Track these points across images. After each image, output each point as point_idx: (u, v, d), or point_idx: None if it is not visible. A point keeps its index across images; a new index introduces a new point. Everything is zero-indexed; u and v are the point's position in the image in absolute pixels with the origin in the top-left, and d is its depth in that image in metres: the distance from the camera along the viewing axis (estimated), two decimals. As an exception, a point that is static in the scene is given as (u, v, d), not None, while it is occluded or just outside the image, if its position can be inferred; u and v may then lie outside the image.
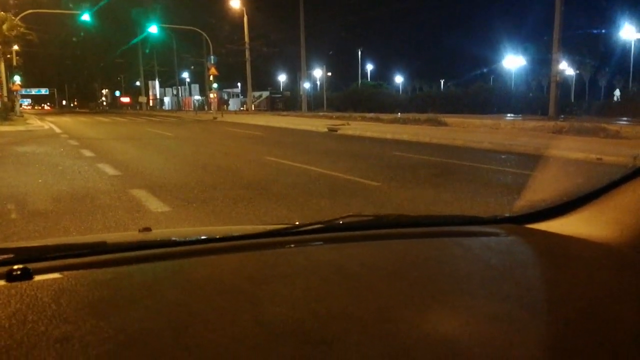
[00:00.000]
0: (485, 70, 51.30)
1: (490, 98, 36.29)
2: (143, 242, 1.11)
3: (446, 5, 78.96)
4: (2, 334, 0.68)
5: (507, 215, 1.33)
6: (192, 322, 0.74)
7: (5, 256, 0.97)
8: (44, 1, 30.62)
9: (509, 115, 27.32)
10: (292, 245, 1.13)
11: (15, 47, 29.50)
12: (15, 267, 0.88)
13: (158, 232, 1.46)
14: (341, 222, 1.25)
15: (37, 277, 0.88)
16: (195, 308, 0.79)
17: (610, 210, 1.11)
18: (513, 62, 50.29)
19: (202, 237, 1.19)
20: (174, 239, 1.23)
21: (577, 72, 56.60)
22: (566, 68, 45.87)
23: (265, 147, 12.66)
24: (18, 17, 24.54)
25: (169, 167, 8.59)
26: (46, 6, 30.42)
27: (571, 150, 9.95)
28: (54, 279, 0.88)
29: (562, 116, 21.74)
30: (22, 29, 24.51)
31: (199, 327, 0.72)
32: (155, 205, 5.17)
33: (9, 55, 27.78)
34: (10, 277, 0.87)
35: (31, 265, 0.90)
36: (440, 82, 65.99)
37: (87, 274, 0.92)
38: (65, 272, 0.91)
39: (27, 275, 0.87)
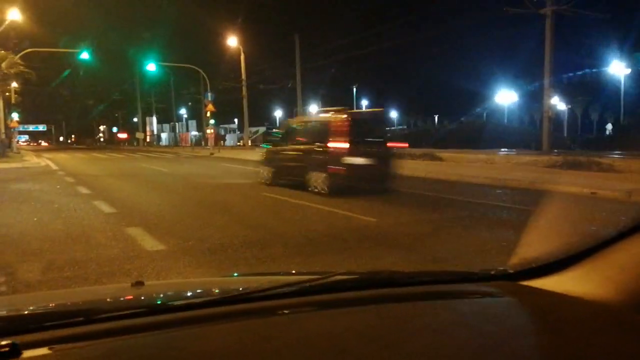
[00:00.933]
0: (478, 105, 52.02)
1: (484, 133, 36.65)
2: (134, 310, 1.09)
3: (439, 42, 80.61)
4: None
5: (501, 269, 1.33)
6: None
7: None
8: (43, 39, 31.11)
9: (502, 149, 27.49)
10: (286, 312, 1.11)
11: (14, 85, 29.78)
12: (3, 342, 0.86)
13: (150, 288, 1.44)
14: (334, 280, 1.24)
15: (26, 353, 0.86)
16: None
17: (605, 268, 1.12)
18: (506, 97, 51.06)
19: (193, 302, 1.17)
20: (165, 302, 1.22)
21: (569, 107, 57.44)
22: (558, 103, 46.54)
23: (262, 183, 12.67)
24: (18, 56, 24.86)
25: (164, 204, 8.58)
26: (45, 44, 30.88)
27: (565, 185, 10.02)
28: (44, 356, 0.87)
29: (556, 150, 21.94)
30: (21, 67, 24.78)
31: None
32: (150, 243, 5.15)
33: (7, 93, 28.02)
34: None
35: (19, 339, 0.88)
36: (435, 118, 66.72)
37: (77, 348, 0.90)
38: (55, 346, 0.89)
39: (15, 352, 0.85)
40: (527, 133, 39.01)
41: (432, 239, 5.74)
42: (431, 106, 68.32)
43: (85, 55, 29.16)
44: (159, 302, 1.22)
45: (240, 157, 25.66)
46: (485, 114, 52.31)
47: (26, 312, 1.15)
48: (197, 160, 24.79)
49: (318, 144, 10.11)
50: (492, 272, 1.34)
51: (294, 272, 1.19)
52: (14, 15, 26.80)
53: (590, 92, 53.94)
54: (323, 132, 10.17)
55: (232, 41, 38.19)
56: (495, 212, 7.93)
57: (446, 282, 1.36)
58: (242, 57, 38.59)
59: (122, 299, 1.27)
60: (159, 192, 10.70)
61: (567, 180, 10.80)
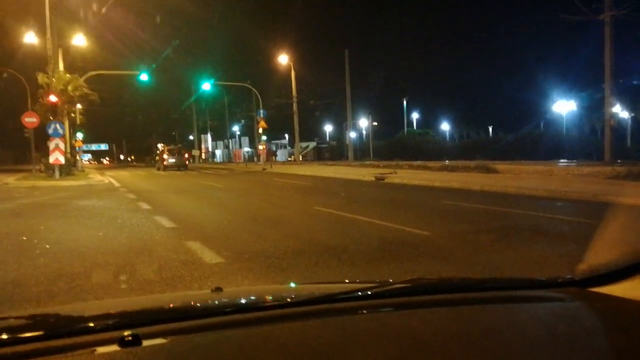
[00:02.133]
0: (534, 115, 50.48)
1: (541, 144, 35.52)
2: (230, 307, 1.20)
3: (492, 52, 79.18)
4: None
5: (569, 277, 1.33)
6: None
7: (115, 320, 1.09)
8: (104, 62, 32.78)
9: (562, 160, 26.55)
10: (365, 311, 1.17)
11: (79, 106, 31.41)
12: (127, 333, 0.97)
13: (231, 292, 1.55)
14: (409, 285, 1.29)
15: (145, 342, 0.97)
16: None
17: None
18: (564, 106, 49.33)
19: (281, 302, 1.25)
20: (253, 302, 1.31)
21: (632, 115, 54.78)
22: (620, 111, 44.51)
23: (314, 197, 12.81)
24: (82, 78, 26.24)
25: (221, 218, 8.80)
26: (105, 66, 32.49)
27: (630, 197, 9.56)
28: (161, 345, 0.97)
29: (619, 161, 20.99)
30: (85, 90, 26.11)
31: None
32: (209, 257, 5.30)
33: (72, 115, 29.57)
34: (122, 342, 0.96)
35: (138, 331, 0.99)
36: (489, 129, 65.19)
37: (189, 339, 1.01)
38: (169, 338, 1.00)
39: (136, 341, 0.96)
40: (587, 143, 37.52)
41: (488, 252, 5.61)
42: (485, 117, 66.93)
43: (144, 77, 30.46)
44: (247, 302, 1.32)
45: (291, 172, 25.99)
46: (542, 124, 50.73)
47: (139, 310, 1.28)
48: (250, 176, 25.28)
49: (162, 155, 37.82)
50: (560, 280, 1.34)
51: (358, 281, 1.28)
52: (79, 40, 28.44)
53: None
54: (163, 151, 38.51)
55: (283, 59, 38.91)
56: (556, 225, 7.66)
57: (515, 288, 1.37)
58: (293, 74, 39.24)
59: (209, 301, 1.36)
60: (215, 208, 10.99)
61: (631, 192, 10.30)
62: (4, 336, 1.00)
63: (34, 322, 1.14)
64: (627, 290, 1.17)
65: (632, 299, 1.15)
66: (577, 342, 0.99)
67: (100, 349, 0.95)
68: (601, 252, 1.36)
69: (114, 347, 0.95)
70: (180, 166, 35.89)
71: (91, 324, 1.08)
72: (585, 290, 1.26)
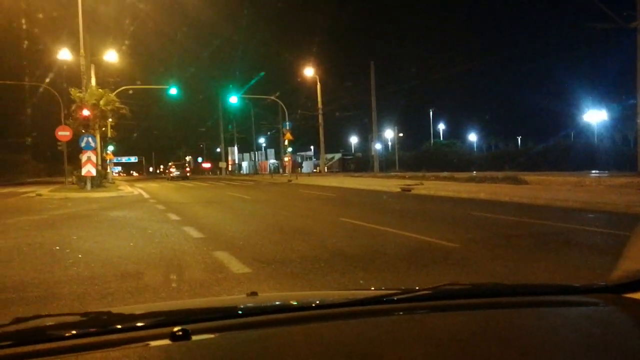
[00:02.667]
0: (564, 125, 49.55)
1: (571, 154, 34.84)
2: (270, 308, 1.26)
3: (520, 61, 78.25)
4: None
5: (603, 283, 1.32)
6: None
7: (164, 318, 1.16)
8: (134, 76, 33.56)
9: (593, 171, 25.96)
10: (402, 313, 1.21)
11: (110, 120, 32.15)
12: (177, 329, 1.04)
13: (265, 297, 1.60)
14: (442, 289, 1.31)
15: (194, 337, 1.03)
16: None
17: None
18: (595, 116, 48.32)
19: (318, 304, 1.30)
20: (294, 304, 1.35)
21: (667, 124, 53.18)
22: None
23: (339, 208, 12.80)
24: (114, 93, 26.88)
25: (247, 229, 8.88)
26: (135, 80, 33.28)
27: (666, 208, 9.30)
28: (210, 339, 1.04)
29: (654, 171, 20.40)
30: (117, 104, 26.70)
31: None
32: (236, 267, 5.35)
33: (103, 128, 30.26)
34: (173, 337, 1.02)
35: (187, 327, 1.05)
36: (517, 139, 64.23)
37: (236, 335, 1.08)
38: (217, 334, 1.07)
39: (186, 336, 1.03)
40: (619, 153, 36.61)
41: (518, 264, 5.52)
42: (513, 127, 66.10)
43: (173, 91, 31.09)
44: (286, 303, 1.37)
45: (317, 184, 26.03)
46: (572, 134, 49.76)
47: (185, 309, 1.37)
48: (276, 187, 25.41)
49: (169, 169, 52.10)
50: (593, 286, 1.34)
51: (383, 288, 1.33)
52: (111, 56, 29.22)
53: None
54: (171, 166, 52.54)
55: (309, 71, 39.19)
56: (588, 237, 7.50)
57: (548, 294, 1.37)
58: (319, 86, 39.48)
59: (249, 304, 1.40)
60: (241, 218, 11.09)
61: (668, 202, 10.02)
62: (61, 331, 1.06)
63: (88, 319, 1.21)
64: None
65: None
66: (611, 346, 0.99)
67: (153, 343, 1.01)
68: (635, 260, 1.34)
69: (166, 341, 1.01)
70: (182, 177, 47.86)
71: (142, 322, 1.15)
72: (619, 296, 1.26)
